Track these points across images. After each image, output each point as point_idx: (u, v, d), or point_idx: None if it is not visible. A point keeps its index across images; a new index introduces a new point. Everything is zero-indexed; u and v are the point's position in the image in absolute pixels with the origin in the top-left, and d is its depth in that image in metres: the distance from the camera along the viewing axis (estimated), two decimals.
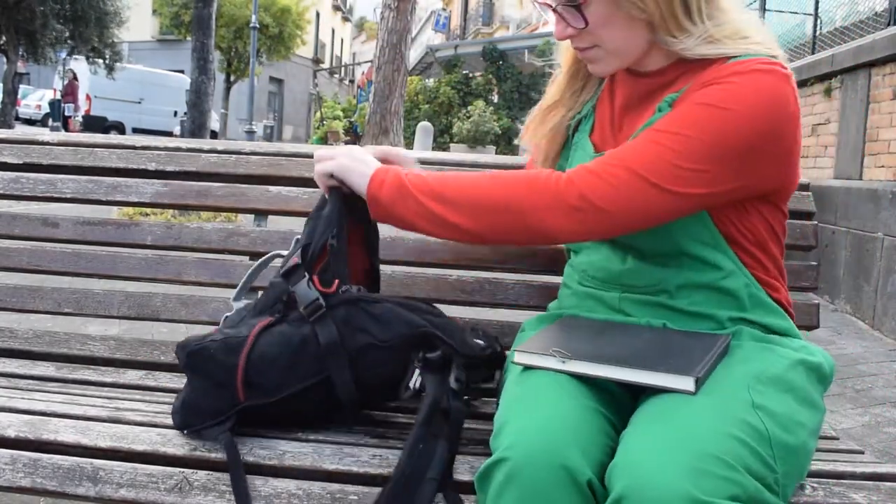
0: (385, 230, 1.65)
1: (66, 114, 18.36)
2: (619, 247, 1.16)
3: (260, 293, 1.30)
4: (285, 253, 1.27)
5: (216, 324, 1.59)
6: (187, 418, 1.16)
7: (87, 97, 20.46)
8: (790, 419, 0.98)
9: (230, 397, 1.14)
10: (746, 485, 0.87)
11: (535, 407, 0.98)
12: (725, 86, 1.02)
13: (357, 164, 1.17)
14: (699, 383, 0.96)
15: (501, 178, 1.09)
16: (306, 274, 1.17)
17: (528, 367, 1.07)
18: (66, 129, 17.47)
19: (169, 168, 1.65)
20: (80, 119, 18.71)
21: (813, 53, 5.98)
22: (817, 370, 1.09)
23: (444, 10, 33.95)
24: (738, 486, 0.86)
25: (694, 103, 1.04)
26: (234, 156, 1.66)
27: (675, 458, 0.86)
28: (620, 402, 1.05)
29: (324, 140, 20.39)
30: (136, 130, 21.86)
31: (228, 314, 1.29)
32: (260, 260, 1.36)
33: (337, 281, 1.17)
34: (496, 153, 16.27)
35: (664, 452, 0.87)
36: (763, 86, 1.02)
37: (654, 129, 1.05)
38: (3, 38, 15.75)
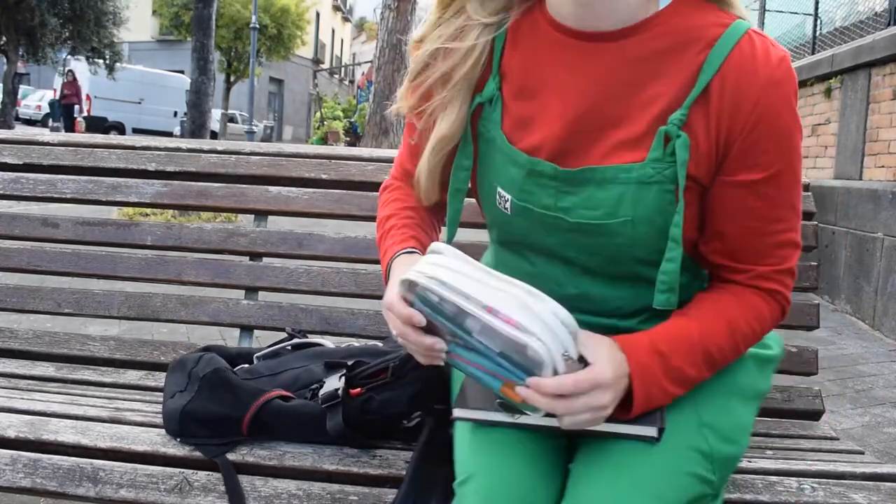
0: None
1: (75, 115, 18.27)
2: (574, 270, 0.98)
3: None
4: (329, 344, 1.33)
5: (216, 324, 1.60)
6: (186, 426, 1.17)
7: (87, 97, 20.44)
8: (734, 426, 0.97)
9: (236, 427, 1.16)
10: None
11: (499, 465, 0.93)
12: (768, 136, 0.87)
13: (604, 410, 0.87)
14: (661, 433, 0.92)
15: (732, 327, 0.93)
16: (345, 373, 1.18)
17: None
18: (74, 131, 17.39)
19: (169, 168, 1.65)
20: (81, 119, 18.67)
21: (813, 53, 5.98)
22: (765, 358, 1.06)
23: None
24: None
25: (760, 184, 0.89)
26: (234, 156, 1.66)
27: None
28: (561, 438, 0.98)
29: (324, 140, 20.39)
30: (136, 131, 21.86)
31: (265, 353, 1.37)
32: (301, 340, 1.41)
33: (362, 390, 1.19)
34: None
35: (618, 501, 0.86)
36: (789, 110, 0.88)
37: (752, 225, 0.91)
38: (3, 38, 15.74)
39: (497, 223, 1.02)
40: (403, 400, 1.16)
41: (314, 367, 1.26)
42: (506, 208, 0.97)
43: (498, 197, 0.98)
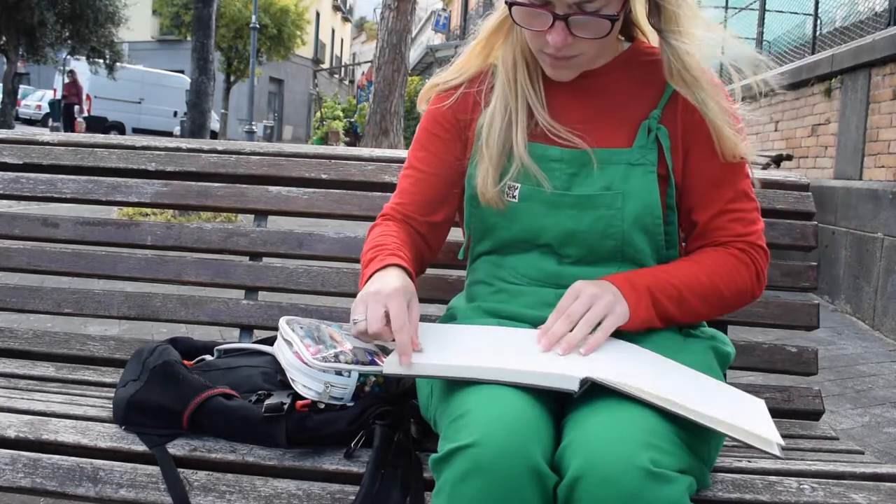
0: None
1: (76, 117, 18.24)
2: (551, 253, 1.17)
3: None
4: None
5: (216, 324, 1.60)
6: (130, 415, 1.18)
7: (87, 97, 20.43)
8: None
9: (177, 420, 1.16)
10: (690, 461, 0.95)
11: (500, 398, 0.96)
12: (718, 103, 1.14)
13: (617, 307, 1.07)
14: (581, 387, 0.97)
15: (718, 271, 1.15)
16: (291, 396, 1.16)
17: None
18: (74, 131, 17.36)
19: (169, 168, 1.65)
20: (81, 120, 18.66)
21: (813, 53, 5.97)
22: (721, 353, 1.18)
23: (444, 10, 33.92)
24: (684, 461, 0.93)
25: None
26: (234, 156, 1.66)
27: (629, 432, 0.90)
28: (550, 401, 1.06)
29: (324, 140, 20.38)
30: (136, 130, 21.84)
31: (226, 348, 1.37)
32: (267, 339, 1.41)
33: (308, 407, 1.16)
34: None
35: (619, 428, 0.91)
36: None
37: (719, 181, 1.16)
38: (3, 38, 15.74)
39: (499, 219, 1.18)
40: (343, 421, 1.13)
41: (270, 369, 1.24)
42: (514, 197, 1.16)
43: (506, 189, 1.16)
